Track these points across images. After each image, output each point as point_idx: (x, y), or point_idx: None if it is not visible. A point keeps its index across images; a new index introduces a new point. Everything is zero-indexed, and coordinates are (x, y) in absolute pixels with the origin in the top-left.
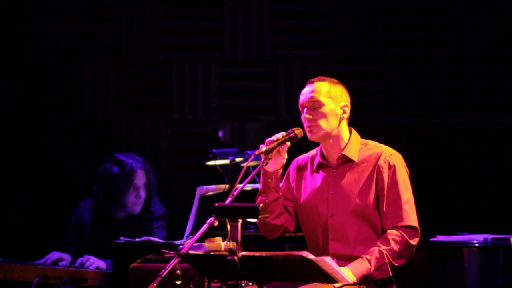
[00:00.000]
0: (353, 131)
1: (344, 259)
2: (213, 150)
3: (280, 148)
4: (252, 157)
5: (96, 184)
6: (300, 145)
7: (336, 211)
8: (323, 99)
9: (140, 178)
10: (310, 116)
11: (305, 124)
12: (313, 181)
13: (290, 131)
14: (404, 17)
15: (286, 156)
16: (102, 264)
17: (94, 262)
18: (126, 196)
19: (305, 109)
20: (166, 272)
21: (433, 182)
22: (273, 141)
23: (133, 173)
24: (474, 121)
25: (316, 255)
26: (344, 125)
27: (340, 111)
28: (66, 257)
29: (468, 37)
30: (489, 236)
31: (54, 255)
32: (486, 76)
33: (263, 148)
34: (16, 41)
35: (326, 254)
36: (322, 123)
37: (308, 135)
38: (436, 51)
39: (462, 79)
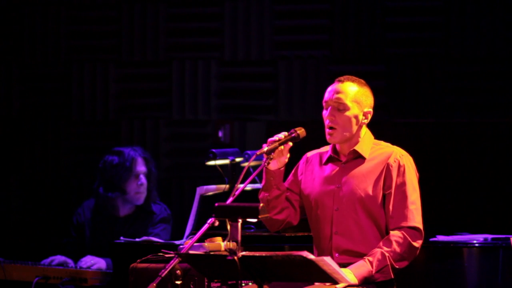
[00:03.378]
0: (367, 130)
1: (346, 254)
2: (213, 150)
3: (282, 148)
4: (254, 157)
5: (97, 179)
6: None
7: (342, 205)
8: (349, 103)
9: (140, 165)
10: (333, 117)
11: (326, 122)
12: (321, 174)
13: (292, 131)
14: (404, 17)
15: (288, 155)
16: (102, 264)
17: (95, 263)
18: (127, 184)
19: (329, 108)
20: (166, 272)
21: (433, 182)
22: (275, 141)
23: (132, 160)
24: (474, 121)
25: (321, 248)
26: (363, 128)
27: (362, 117)
28: (70, 261)
29: (468, 37)
30: (489, 236)
31: (60, 258)
32: (486, 76)
33: (265, 148)
34: (16, 41)
35: (330, 247)
36: (344, 128)
37: (327, 137)
38: (436, 51)
39: (462, 79)
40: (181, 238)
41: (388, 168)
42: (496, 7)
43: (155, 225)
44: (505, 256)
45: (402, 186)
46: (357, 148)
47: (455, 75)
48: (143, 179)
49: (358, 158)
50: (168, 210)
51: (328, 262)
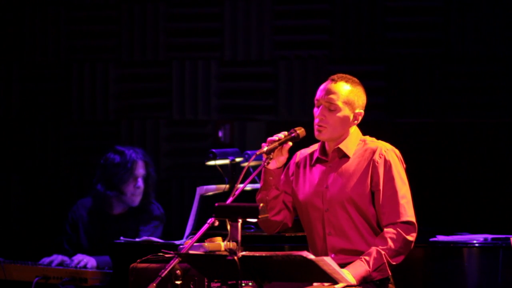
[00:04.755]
0: (356, 127)
1: (342, 253)
2: (213, 150)
3: (281, 148)
4: (254, 157)
5: (96, 175)
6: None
7: (331, 205)
8: (340, 104)
9: (140, 168)
10: (324, 117)
11: (316, 121)
12: (310, 176)
13: (292, 130)
14: (404, 17)
15: (287, 155)
16: (93, 262)
17: (87, 262)
18: (125, 186)
19: (320, 107)
20: (166, 272)
21: (433, 182)
22: (274, 141)
23: (133, 163)
24: (474, 121)
25: (316, 249)
26: (352, 128)
27: (352, 118)
28: (67, 259)
29: (468, 37)
30: (489, 236)
31: (57, 258)
32: (486, 76)
33: (265, 147)
34: (16, 41)
35: (325, 248)
36: (333, 127)
37: (316, 133)
38: (436, 51)
39: (462, 79)
40: (181, 238)
41: (374, 164)
42: (496, 7)
43: (147, 223)
44: (505, 256)
45: (390, 181)
46: (341, 146)
47: (455, 75)
48: (140, 182)
49: (343, 157)
50: (162, 209)
51: (328, 262)
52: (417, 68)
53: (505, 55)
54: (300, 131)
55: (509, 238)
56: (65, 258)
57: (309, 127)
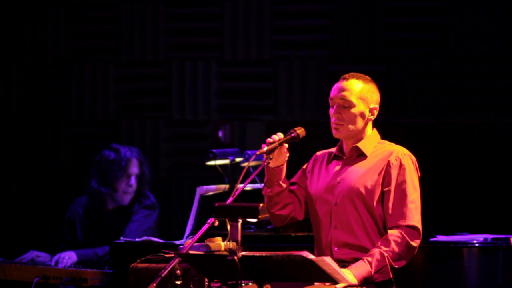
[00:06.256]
0: (375, 129)
1: (346, 247)
2: (213, 150)
3: (281, 148)
4: (254, 157)
5: (91, 171)
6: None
7: (340, 199)
8: (354, 100)
9: (134, 167)
10: (339, 115)
11: (332, 119)
12: (325, 172)
13: (292, 130)
14: (404, 17)
15: (288, 154)
16: (73, 257)
17: (69, 258)
18: (118, 183)
19: (335, 105)
20: (166, 272)
21: (433, 182)
22: (274, 141)
23: (127, 161)
24: (474, 121)
25: (320, 243)
26: (369, 125)
27: (368, 113)
28: (43, 255)
29: (468, 37)
30: (489, 236)
31: (31, 254)
32: (486, 76)
33: (265, 148)
34: (16, 42)
35: (330, 242)
36: (349, 124)
37: (333, 132)
38: (436, 51)
39: (462, 79)
40: (181, 238)
41: (388, 165)
42: (496, 7)
43: (137, 212)
44: (505, 256)
45: (402, 184)
46: (359, 145)
47: (455, 75)
48: (133, 180)
49: (360, 155)
50: (153, 198)
51: (328, 262)
52: (417, 68)
53: (505, 55)
54: (300, 131)
55: (509, 238)
56: (41, 254)
57: (309, 127)
